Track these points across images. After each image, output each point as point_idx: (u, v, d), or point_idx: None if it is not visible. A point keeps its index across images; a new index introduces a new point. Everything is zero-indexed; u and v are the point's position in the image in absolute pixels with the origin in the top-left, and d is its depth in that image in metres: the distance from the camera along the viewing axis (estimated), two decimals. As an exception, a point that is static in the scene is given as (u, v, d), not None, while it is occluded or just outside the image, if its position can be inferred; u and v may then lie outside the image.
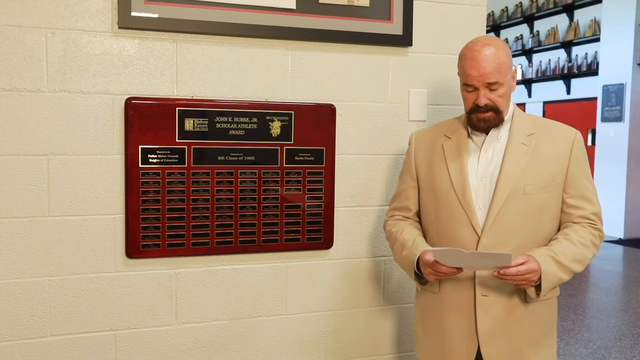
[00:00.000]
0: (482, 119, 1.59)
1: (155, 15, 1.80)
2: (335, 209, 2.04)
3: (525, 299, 1.61)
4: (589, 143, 8.83)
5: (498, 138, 1.64)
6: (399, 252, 1.72)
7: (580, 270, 1.60)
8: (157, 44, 1.84)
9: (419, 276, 1.66)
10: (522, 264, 1.49)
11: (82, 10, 1.76)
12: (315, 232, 2.02)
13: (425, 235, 1.74)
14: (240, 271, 1.97)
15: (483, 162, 1.63)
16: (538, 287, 1.54)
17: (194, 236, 1.89)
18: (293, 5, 1.93)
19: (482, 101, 1.56)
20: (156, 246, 1.85)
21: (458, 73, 1.65)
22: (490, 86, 1.56)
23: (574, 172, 1.62)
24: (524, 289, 1.56)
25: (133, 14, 1.77)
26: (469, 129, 1.66)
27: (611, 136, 8.04)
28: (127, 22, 1.78)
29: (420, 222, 1.79)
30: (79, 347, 1.83)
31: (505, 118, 1.63)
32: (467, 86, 1.59)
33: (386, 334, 2.15)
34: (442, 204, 1.66)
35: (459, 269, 1.54)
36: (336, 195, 2.04)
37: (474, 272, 1.61)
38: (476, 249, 1.59)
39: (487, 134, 1.63)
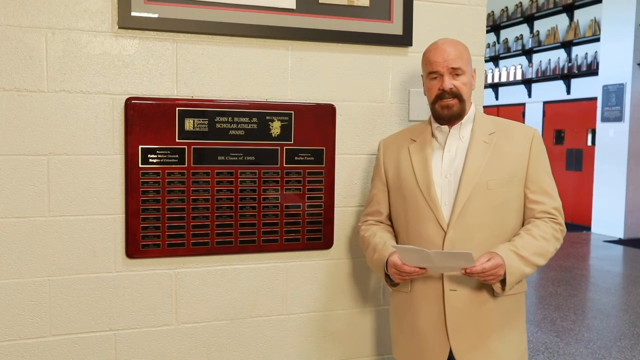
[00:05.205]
0: (445, 105, 1.66)
1: (155, 15, 1.80)
2: (335, 209, 2.04)
3: (492, 293, 1.65)
4: (589, 143, 8.83)
5: (460, 137, 1.71)
6: (371, 255, 1.76)
7: (543, 264, 1.65)
8: (157, 44, 1.84)
9: (391, 278, 1.69)
10: (487, 260, 1.54)
11: (82, 10, 1.76)
12: (315, 232, 2.02)
13: (396, 236, 1.79)
14: (240, 271, 1.97)
15: (447, 160, 1.69)
16: (503, 282, 1.58)
17: (194, 236, 1.89)
18: (293, 5, 1.93)
19: (447, 85, 1.64)
20: (156, 246, 1.85)
21: (422, 75, 1.74)
22: (454, 71, 1.64)
23: (534, 168, 1.68)
24: (491, 284, 1.60)
25: (133, 14, 1.77)
26: (433, 128, 1.73)
27: (611, 136, 8.04)
28: (127, 22, 1.78)
29: (392, 225, 1.83)
30: (79, 347, 1.83)
31: (467, 118, 1.71)
32: (432, 74, 1.67)
33: (387, 334, 2.14)
34: (409, 203, 1.71)
35: (423, 269, 1.57)
36: (336, 195, 2.04)
37: (441, 272, 1.64)
38: (442, 245, 1.64)
39: (449, 124, 1.69)
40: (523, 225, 1.70)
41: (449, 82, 1.64)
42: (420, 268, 1.57)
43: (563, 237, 1.70)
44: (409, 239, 1.72)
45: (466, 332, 1.65)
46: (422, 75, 1.76)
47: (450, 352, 1.67)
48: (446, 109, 1.66)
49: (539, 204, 1.67)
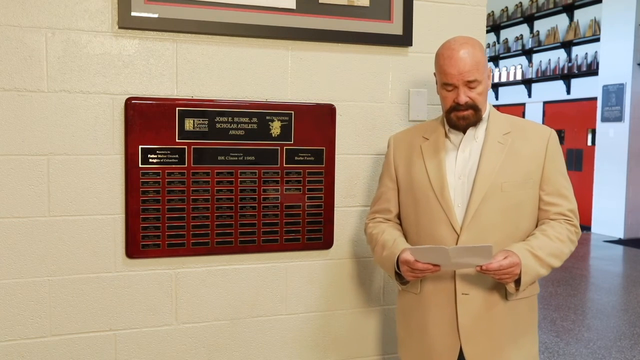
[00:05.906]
0: (461, 117, 1.61)
1: (155, 15, 1.80)
2: (335, 209, 2.04)
3: (505, 296, 1.62)
4: (589, 143, 8.83)
5: (475, 137, 1.66)
6: (379, 253, 1.72)
7: (557, 265, 1.62)
8: (157, 44, 1.84)
9: (400, 276, 1.66)
10: (503, 258, 1.50)
11: (82, 10, 1.76)
12: (315, 232, 2.02)
13: (406, 236, 1.74)
14: (240, 271, 1.97)
15: (460, 161, 1.65)
16: (517, 282, 1.55)
17: (194, 236, 1.89)
18: (293, 5, 1.93)
19: (463, 99, 1.59)
20: (156, 246, 1.85)
21: (434, 73, 1.68)
22: (469, 84, 1.58)
23: (549, 170, 1.64)
24: (505, 284, 1.57)
25: (133, 14, 1.78)
26: (447, 129, 1.69)
27: (611, 136, 8.04)
28: (127, 22, 1.78)
29: (400, 224, 1.79)
30: (79, 347, 1.83)
31: (482, 117, 1.66)
32: (447, 85, 1.61)
33: (387, 334, 2.15)
34: (421, 204, 1.67)
35: (437, 266, 1.54)
36: (336, 195, 2.04)
37: (455, 270, 1.61)
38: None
39: (464, 132, 1.65)
40: (537, 226, 1.66)
41: (464, 97, 1.58)
42: (433, 265, 1.54)
43: (578, 239, 1.66)
44: (420, 240, 1.68)
45: (480, 336, 1.62)
46: (434, 73, 1.70)
47: (460, 355, 1.64)
48: (462, 120, 1.61)
49: (554, 206, 1.64)
